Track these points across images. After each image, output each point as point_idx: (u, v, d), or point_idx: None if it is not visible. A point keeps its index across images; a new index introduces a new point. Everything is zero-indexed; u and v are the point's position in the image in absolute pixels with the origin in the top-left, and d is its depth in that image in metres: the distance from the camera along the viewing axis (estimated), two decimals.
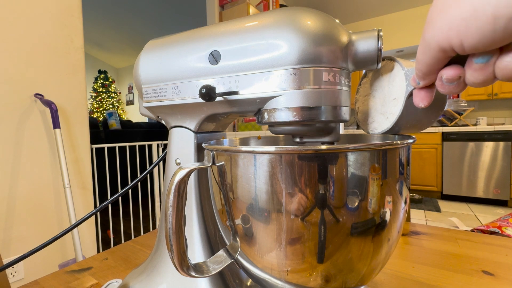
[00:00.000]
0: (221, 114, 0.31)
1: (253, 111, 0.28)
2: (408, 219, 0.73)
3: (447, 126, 3.43)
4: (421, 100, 0.22)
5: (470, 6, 0.15)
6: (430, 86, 0.22)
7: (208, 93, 0.26)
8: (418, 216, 2.65)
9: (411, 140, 0.23)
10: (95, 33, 5.83)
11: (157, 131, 3.49)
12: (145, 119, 5.95)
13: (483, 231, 1.13)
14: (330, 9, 3.93)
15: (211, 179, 0.26)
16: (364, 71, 0.33)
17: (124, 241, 1.56)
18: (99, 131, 2.92)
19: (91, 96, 6.90)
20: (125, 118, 7.10)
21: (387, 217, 0.21)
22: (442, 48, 0.18)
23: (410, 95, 0.25)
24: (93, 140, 1.51)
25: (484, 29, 0.15)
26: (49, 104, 1.17)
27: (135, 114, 7.17)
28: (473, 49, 0.16)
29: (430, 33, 0.18)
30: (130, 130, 3.26)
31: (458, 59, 0.18)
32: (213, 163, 0.24)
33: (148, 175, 2.10)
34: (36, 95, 1.19)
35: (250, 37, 0.25)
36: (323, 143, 0.28)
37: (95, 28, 5.64)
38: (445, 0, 0.17)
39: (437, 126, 3.47)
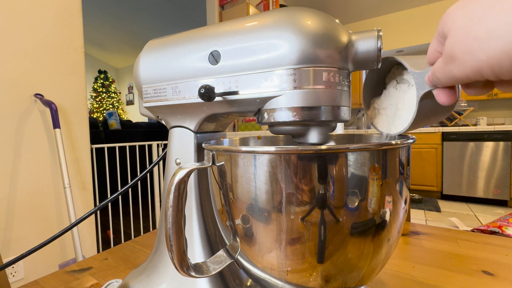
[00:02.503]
0: (221, 114, 0.31)
1: (253, 111, 0.28)
2: (408, 219, 0.73)
3: (447, 126, 3.43)
4: (447, 99, 0.22)
5: (500, 52, 0.15)
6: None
7: (207, 93, 0.26)
8: (418, 216, 2.65)
9: (411, 140, 0.23)
10: (95, 33, 5.83)
11: (157, 131, 3.49)
12: (145, 119, 5.95)
13: (483, 231, 1.13)
14: (330, 9, 3.93)
15: (211, 179, 0.26)
16: (364, 79, 0.33)
17: (124, 241, 1.56)
18: (99, 131, 2.92)
19: (91, 96, 6.89)
20: (125, 118, 7.10)
21: (387, 217, 0.21)
22: (472, 79, 0.18)
23: (423, 97, 0.25)
24: (93, 140, 1.51)
25: None
26: (49, 104, 1.17)
27: (135, 114, 7.17)
28: (508, 77, 0.16)
29: (460, 71, 0.18)
30: (130, 130, 3.26)
31: None
32: (213, 163, 0.24)
33: (148, 175, 2.10)
34: (36, 95, 1.19)
35: (250, 37, 0.25)
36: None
37: (95, 28, 5.64)
38: (469, 43, 0.17)
39: (437, 126, 3.47)
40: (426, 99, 0.25)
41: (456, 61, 0.18)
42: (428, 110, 0.27)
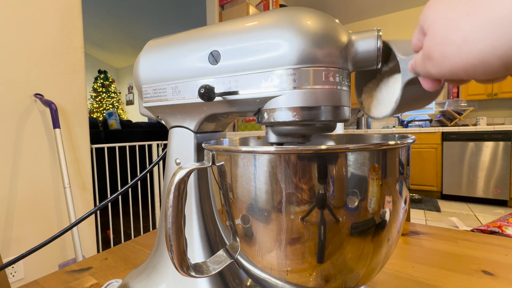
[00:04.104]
0: (221, 114, 0.31)
1: (253, 111, 0.28)
2: (408, 219, 0.73)
3: (447, 126, 3.42)
4: (432, 85, 0.22)
5: (474, 58, 0.16)
6: None
7: (207, 93, 0.26)
8: (418, 216, 2.65)
9: (411, 140, 0.23)
10: (95, 33, 5.83)
11: (157, 131, 3.49)
12: (145, 119, 5.94)
13: (483, 231, 1.12)
14: (330, 9, 3.93)
15: (211, 179, 0.26)
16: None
17: (124, 241, 1.56)
18: (99, 131, 2.92)
19: (91, 96, 6.89)
20: (125, 118, 7.10)
21: (387, 217, 0.21)
22: (447, 78, 0.19)
23: (408, 83, 0.25)
24: (93, 140, 1.51)
25: (493, 72, 0.16)
26: (49, 104, 1.17)
27: (135, 114, 7.17)
28: (481, 79, 0.17)
29: (436, 71, 0.19)
30: (130, 130, 3.26)
31: None
32: (213, 163, 0.24)
33: (148, 175, 2.10)
34: (36, 95, 1.19)
35: (250, 37, 0.25)
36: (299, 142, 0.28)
37: (95, 28, 5.64)
38: (445, 47, 0.17)
39: (437, 126, 3.47)
40: (413, 84, 0.25)
41: (433, 62, 0.18)
42: (414, 94, 0.27)
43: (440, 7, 0.18)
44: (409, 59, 0.24)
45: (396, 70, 0.28)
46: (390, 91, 0.28)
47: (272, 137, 0.28)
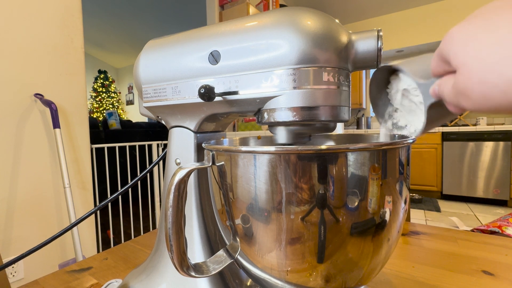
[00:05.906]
0: (221, 114, 0.31)
1: (253, 111, 0.28)
2: (408, 219, 0.73)
3: (447, 126, 3.42)
4: (459, 110, 0.21)
5: (506, 101, 0.16)
6: None
7: (207, 93, 0.26)
8: (418, 216, 2.65)
9: (411, 140, 0.23)
10: (95, 33, 5.83)
11: (157, 131, 3.49)
12: (145, 119, 5.94)
13: (483, 231, 1.12)
14: (330, 9, 3.93)
15: (211, 179, 0.26)
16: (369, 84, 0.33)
17: (124, 241, 1.56)
18: (99, 131, 2.92)
19: (91, 96, 6.89)
20: (125, 118, 7.10)
21: (387, 217, 0.21)
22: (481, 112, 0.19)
23: (430, 107, 0.24)
24: (93, 140, 1.50)
25: None
26: (49, 104, 1.17)
27: (135, 114, 7.17)
28: None
29: (472, 108, 0.18)
30: (130, 130, 3.26)
31: None
32: (213, 163, 0.24)
33: (148, 175, 2.10)
34: (36, 95, 1.19)
35: (250, 37, 0.25)
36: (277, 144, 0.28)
37: (95, 28, 5.64)
38: (487, 89, 0.16)
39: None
40: (436, 106, 0.25)
41: (470, 100, 0.18)
42: (437, 115, 0.27)
43: (467, 39, 0.17)
44: (429, 83, 0.23)
45: (417, 92, 0.28)
46: (415, 114, 0.28)
47: (281, 138, 0.28)
